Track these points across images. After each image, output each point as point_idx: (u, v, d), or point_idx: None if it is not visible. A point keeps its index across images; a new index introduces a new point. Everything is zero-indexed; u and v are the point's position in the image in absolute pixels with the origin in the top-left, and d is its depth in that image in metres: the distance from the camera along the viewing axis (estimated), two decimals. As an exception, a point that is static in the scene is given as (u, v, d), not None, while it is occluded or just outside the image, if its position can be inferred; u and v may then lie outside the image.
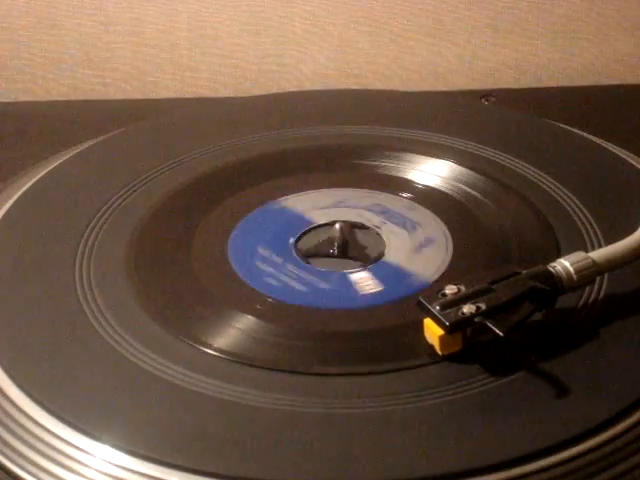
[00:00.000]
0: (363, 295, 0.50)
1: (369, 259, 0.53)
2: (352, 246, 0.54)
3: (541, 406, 0.41)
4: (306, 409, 0.42)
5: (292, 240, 0.54)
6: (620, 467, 0.39)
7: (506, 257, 0.52)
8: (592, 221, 0.54)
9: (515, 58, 0.86)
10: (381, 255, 0.53)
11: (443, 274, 0.51)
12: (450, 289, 0.44)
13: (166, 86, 0.86)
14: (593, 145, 0.63)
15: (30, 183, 0.59)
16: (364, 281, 0.51)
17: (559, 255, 0.48)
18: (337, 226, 0.54)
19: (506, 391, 0.42)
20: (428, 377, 0.43)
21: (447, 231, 0.54)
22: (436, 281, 0.50)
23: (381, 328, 0.47)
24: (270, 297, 0.49)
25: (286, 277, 0.51)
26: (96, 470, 0.39)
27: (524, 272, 0.45)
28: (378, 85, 0.85)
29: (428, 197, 0.58)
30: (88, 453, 0.40)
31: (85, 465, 0.40)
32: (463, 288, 0.44)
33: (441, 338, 0.43)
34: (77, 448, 0.40)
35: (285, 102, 0.71)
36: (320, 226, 0.55)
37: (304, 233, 0.55)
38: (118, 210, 0.56)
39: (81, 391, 0.43)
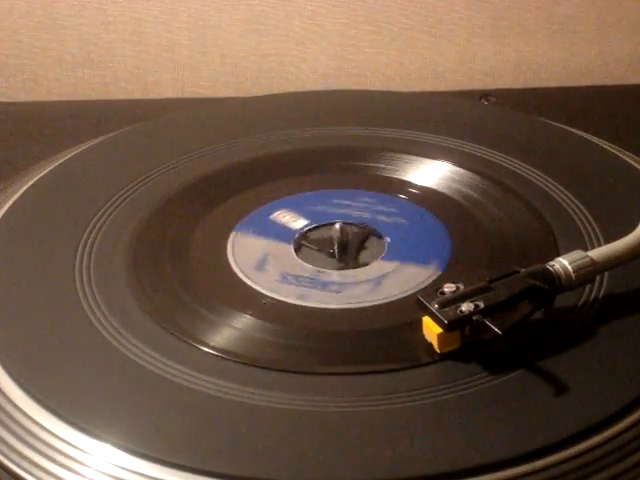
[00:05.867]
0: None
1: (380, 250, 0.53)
2: (353, 245, 0.54)
3: (539, 405, 0.41)
4: (306, 408, 0.42)
5: (292, 240, 0.54)
6: (619, 466, 0.39)
7: (505, 256, 0.52)
8: (591, 220, 0.54)
9: (515, 58, 0.86)
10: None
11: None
12: (449, 287, 0.44)
13: (166, 86, 0.86)
14: (592, 145, 0.63)
15: (31, 183, 0.59)
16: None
17: (558, 254, 0.48)
18: (337, 226, 0.54)
19: (504, 390, 0.42)
20: (426, 375, 0.43)
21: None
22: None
23: (380, 327, 0.47)
24: (270, 297, 0.50)
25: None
26: (96, 470, 0.40)
27: (523, 271, 0.45)
28: (378, 85, 0.85)
29: (427, 198, 0.58)
30: (88, 453, 0.40)
31: (85, 465, 0.40)
32: (462, 286, 0.44)
33: (440, 336, 0.43)
34: (77, 448, 0.40)
35: (285, 102, 0.72)
36: (319, 227, 0.56)
37: (303, 233, 0.55)
38: (118, 210, 0.56)
39: (81, 390, 0.43)
